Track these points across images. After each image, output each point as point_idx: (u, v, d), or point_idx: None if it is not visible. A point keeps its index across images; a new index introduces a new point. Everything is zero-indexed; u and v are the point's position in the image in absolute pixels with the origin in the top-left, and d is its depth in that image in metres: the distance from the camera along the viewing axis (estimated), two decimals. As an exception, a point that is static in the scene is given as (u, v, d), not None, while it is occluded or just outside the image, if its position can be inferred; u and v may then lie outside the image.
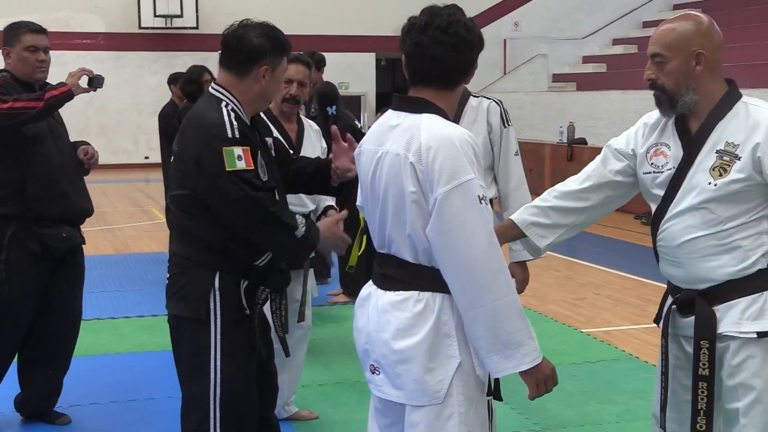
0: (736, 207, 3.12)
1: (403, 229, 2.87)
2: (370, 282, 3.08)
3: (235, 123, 3.36)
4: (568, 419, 5.35)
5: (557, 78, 21.73)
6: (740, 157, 3.08)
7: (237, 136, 3.34)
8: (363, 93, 22.94)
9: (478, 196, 2.77)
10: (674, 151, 3.25)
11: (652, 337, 6.99)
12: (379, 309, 2.95)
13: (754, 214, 3.12)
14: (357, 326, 3.09)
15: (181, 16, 21.71)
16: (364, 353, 3.05)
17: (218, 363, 3.43)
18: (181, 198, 3.47)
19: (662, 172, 3.26)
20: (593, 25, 23.37)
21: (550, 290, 8.67)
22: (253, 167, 3.33)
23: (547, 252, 3.56)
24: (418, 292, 2.88)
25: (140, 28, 21.72)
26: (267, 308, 3.73)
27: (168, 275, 3.58)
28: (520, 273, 4.22)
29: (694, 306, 3.19)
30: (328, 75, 9.29)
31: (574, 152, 15.81)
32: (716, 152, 3.13)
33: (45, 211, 4.72)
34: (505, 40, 22.87)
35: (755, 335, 3.10)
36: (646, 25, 22.70)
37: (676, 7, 22.74)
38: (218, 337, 3.42)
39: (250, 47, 3.44)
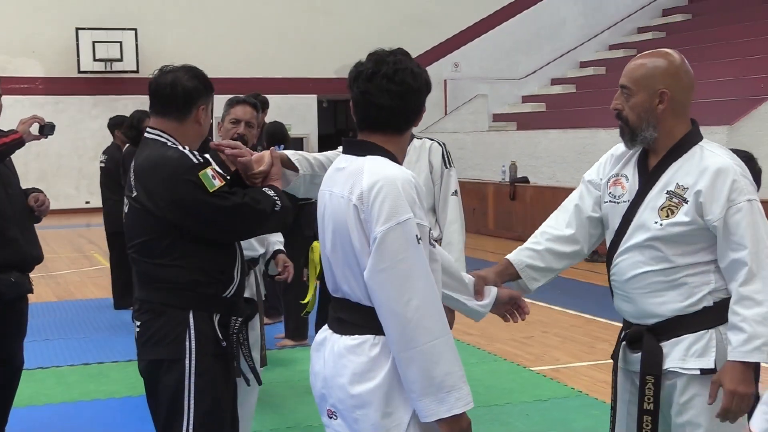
0: (682, 247, 3.14)
1: (353, 271, 2.88)
2: (326, 326, 3.07)
3: (192, 152, 3.44)
4: (521, 458, 5.36)
5: (497, 117, 21.98)
6: (688, 201, 3.12)
7: (201, 160, 3.41)
8: (305, 135, 22.97)
9: (416, 236, 2.78)
10: (631, 183, 3.29)
11: (601, 373, 7.04)
12: (335, 353, 2.94)
13: (701, 255, 3.14)
14: (313, 370, 3.08)
15: (121, 60, 21.60)
16: (321, 398, 3.04)
17: (192, 402, 3.43)
18: (144, 244, 3.47)
19: (618, 203, 3.30)
20: (531, 65, 23.71)
21: (497, 329, 8.68)
22: (224, 182, 3.41)
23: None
24: (373, 336, 2.87)
25: (79, 72, 21.55)
26: None
27: (137, 324, 3.55)
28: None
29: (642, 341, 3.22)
30: (271, 117, 9.29)
31: (517, 191, 15.95)
32: (666, 193, 3.16)
33: None
34: (445, 81, 23.07)
35: (698, 372, 3.12)
36: (583, 65, 23.09)
37: (612, 47, 23.19)
38: (193, 376, 3.43)
39: (186, 91, 3.52)
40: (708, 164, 3.12)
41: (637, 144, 3.26)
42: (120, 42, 21.59)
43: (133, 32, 21.71)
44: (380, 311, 2.80)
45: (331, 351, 2.96)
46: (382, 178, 2.82)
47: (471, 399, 2.81)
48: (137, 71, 21.50)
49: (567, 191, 13.49)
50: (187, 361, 3.42)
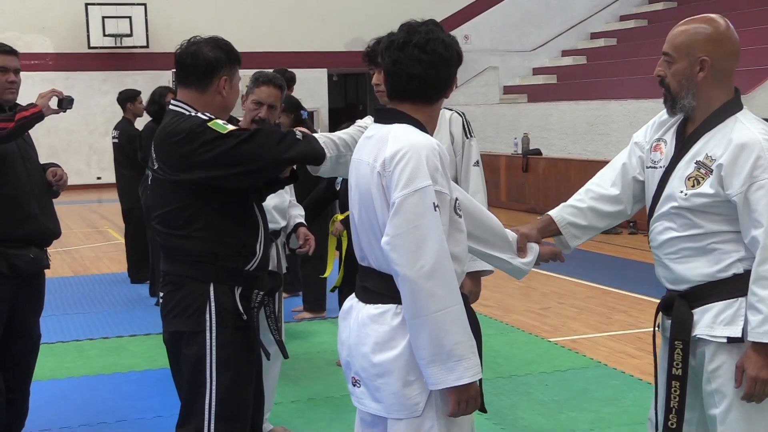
0: (708, 216, 3.13)
1: (377, 239, 2.89)
2: (353, 294, 3.10)
3: (204, 113, 3.46)
4: (543, 428, 5.37)
5: (508, 90, 21.91)
6: (713, 172, 3.09)
7: (211, 116, 3.43)
8: (315, 109, 22.95)
9: (434, 203, 2.79)
10: (668, 149, 3.27)
11: (619, 344, 7.07)
12: (359, 322, 2.97)
13: (729, 225, 3.11)
14: (340, 339, 3.12)
15: (130, 35, 21.58)
16: (347, 366, 3.08)
17: (214, 374, 3.46)
18: (166, 215, 3.50)
19: (656, 168, 3.29)
20: (542, 37, 23.61)
21: (514, 301, 8.72)
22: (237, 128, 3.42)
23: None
24: (396, 305, 2.89)
25: (89, 47, 21.54)
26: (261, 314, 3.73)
27: (161, 295, 3.59)
28: (470, 284, 4.20)
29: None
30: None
31: (530, 163, 15.92)
32: (695, 162, 3.14)
33: (13, 232, 4.66)
34: (455, 54, 22.96)
35: (725, 340, 3.11)
36: (594, 36, 22.99)
37: (623, 18, 23.07)
38: (214, 348, 3.46)
39: (207, 61, 3.52)
40: (734, 137, 3.07)
41: (677, 112, 3.23)
42: (129, 17, 21.58)
43: (143, 7, 21.70)
44: (395, 277, 2.82)
45: (356, 319, 3.00)
46: (406, 145, 2.83)
47: (479, 370, 2.83)
48: (147, 47, 21.50)
49: (579, 163, 13.63)
50: (207, 334, 3.45)
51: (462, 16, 23.79)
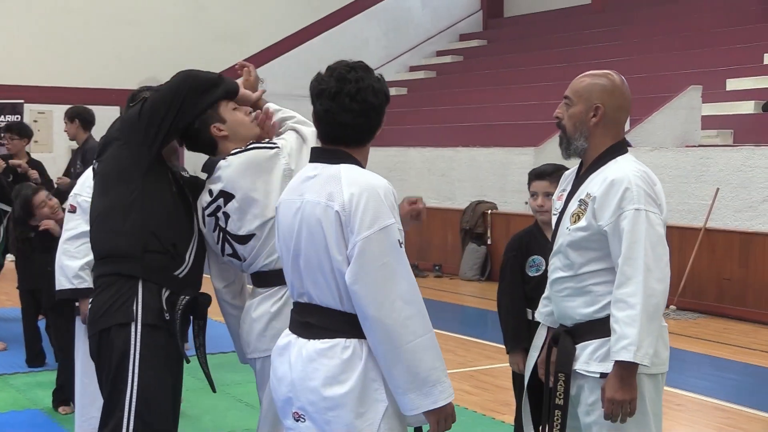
0: (585, 253, 3.41)
1: (325, 277, 2.98)
2: (288, 331, 3.16)
3: None
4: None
5: (306, 135, 22.04)
6: (588, 206, 3.38)
7: None
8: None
9: (398, 240, 2.94)
10: (567, 196, 3.57)
11: (454, 382, 7.09)
12: (305, 358, 3.02)
13: (602, 263, 3.38)
14: (276, 375, 3.14)
15: None
16: (287, 401, 3.10)
17: (136, 370, 3.48)
18: (104, 215, 3.62)
19: (556, 215, 3.60)
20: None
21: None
22: None
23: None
24: (344, 339, 2.98)
25: None
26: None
27: (90, 301, 3.64)
28: None
29: None
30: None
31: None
32: (578, 201, 3.44)
33: None
34: (249, 97, 23.02)
35: (598, 375, 3.37)
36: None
37: (413, 68, 23.78)
38: (138, 344, 3.49)
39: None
40: (608, 174, 3.38)
41: (572, 153, 3.52)
42: None
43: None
44: (365, 314, 2.90)
45: (299, 355, 3.04)
46: (363, 186, 2.96)
47: (452, 390, 2.99)
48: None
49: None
50: (133, 328, 3.48)
51: (256, 60, 23.86)
